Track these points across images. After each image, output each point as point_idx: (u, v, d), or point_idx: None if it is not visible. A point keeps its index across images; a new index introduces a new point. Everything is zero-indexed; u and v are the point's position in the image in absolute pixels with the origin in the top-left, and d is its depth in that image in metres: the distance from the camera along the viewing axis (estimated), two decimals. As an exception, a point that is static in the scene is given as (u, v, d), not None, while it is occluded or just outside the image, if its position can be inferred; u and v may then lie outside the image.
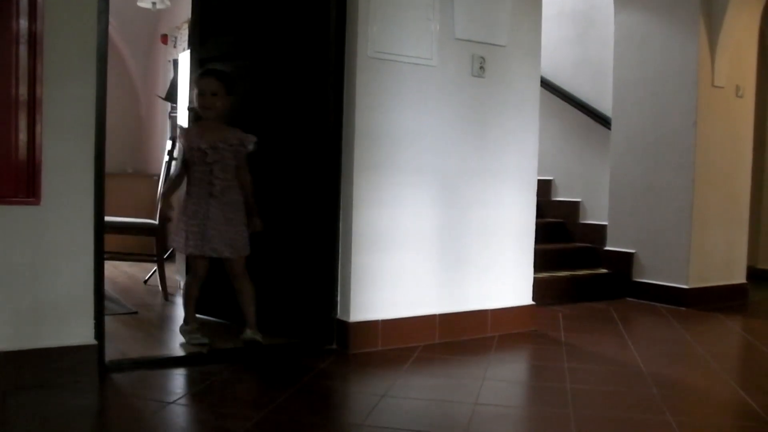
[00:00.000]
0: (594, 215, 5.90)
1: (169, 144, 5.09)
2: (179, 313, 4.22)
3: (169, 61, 7.01)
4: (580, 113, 6.05)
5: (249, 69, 3.79)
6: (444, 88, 3.76)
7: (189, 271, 3.67)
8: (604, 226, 5.64)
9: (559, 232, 5.94)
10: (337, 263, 3.57)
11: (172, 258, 5.45)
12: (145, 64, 7.72)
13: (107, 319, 3.11)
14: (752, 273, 5.92)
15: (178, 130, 3.78)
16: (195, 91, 3.45)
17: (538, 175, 4.25)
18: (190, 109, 4.02)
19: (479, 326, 3.93)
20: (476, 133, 3.89)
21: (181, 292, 3.56)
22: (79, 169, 2.87)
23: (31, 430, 2.42)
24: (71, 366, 2.85)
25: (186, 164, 3.47)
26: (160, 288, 4.65)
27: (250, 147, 3.39)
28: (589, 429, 2.56)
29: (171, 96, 6.18)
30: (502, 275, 4.03)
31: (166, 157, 4.96)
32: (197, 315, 3.60)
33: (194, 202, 3.38)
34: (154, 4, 6.43)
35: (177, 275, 5.01)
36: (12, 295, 2.78)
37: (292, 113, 3.66)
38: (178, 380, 3.04)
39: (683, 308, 5.00)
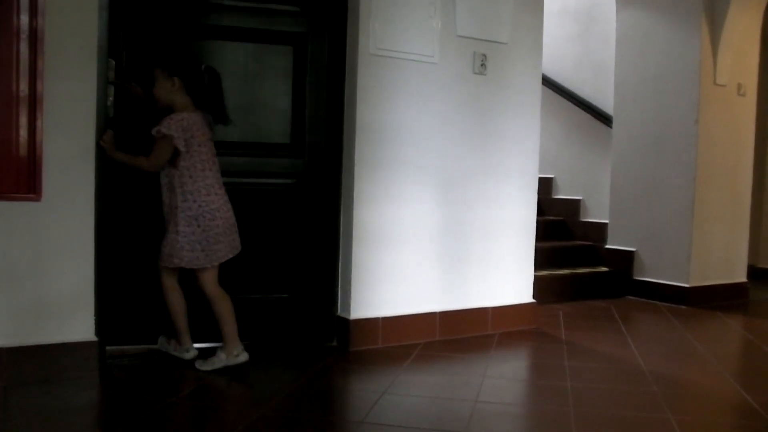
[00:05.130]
0: (595, 213, 5.90)
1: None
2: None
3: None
4: (581, 111, 6.05)
5: (252, 66, 3.78)
6: (445, 86, 3.75)
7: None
8: (605, 224, 5.64)
9: (560, 230, 5.94)
10: (338, 260, 3.57)
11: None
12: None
13: (108, 316, 3.12)
14: (753, 272, 5.93)
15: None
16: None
17: (539, 172, 4.25)
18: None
19: (480, 324, 3.93)
20: (477, 131, 3.89)
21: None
22: (80, 165, 2.87)
23: (31, 425, 2.42)
24: (72, 362, 2.85)
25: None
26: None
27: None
28: (589, 427, 2.56)
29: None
30: (502, 273, 4.03)
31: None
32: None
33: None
34: None
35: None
36: (13, 291, 2.78)
37: (293, 110, 3.65)
38: (178, 377, 3.04)
39: (684, 307, 5.00)
